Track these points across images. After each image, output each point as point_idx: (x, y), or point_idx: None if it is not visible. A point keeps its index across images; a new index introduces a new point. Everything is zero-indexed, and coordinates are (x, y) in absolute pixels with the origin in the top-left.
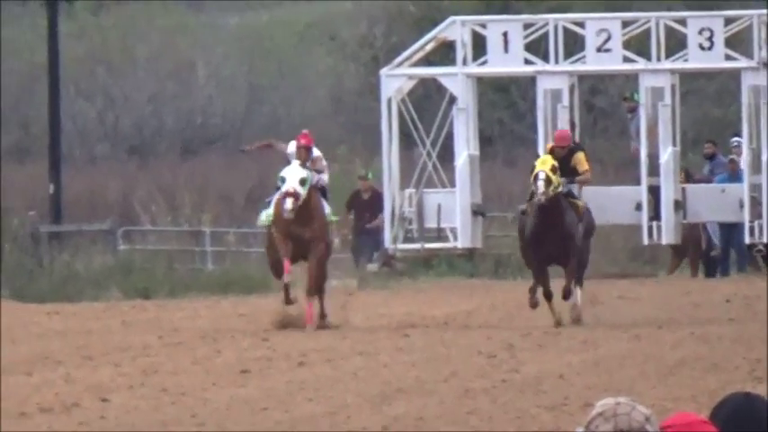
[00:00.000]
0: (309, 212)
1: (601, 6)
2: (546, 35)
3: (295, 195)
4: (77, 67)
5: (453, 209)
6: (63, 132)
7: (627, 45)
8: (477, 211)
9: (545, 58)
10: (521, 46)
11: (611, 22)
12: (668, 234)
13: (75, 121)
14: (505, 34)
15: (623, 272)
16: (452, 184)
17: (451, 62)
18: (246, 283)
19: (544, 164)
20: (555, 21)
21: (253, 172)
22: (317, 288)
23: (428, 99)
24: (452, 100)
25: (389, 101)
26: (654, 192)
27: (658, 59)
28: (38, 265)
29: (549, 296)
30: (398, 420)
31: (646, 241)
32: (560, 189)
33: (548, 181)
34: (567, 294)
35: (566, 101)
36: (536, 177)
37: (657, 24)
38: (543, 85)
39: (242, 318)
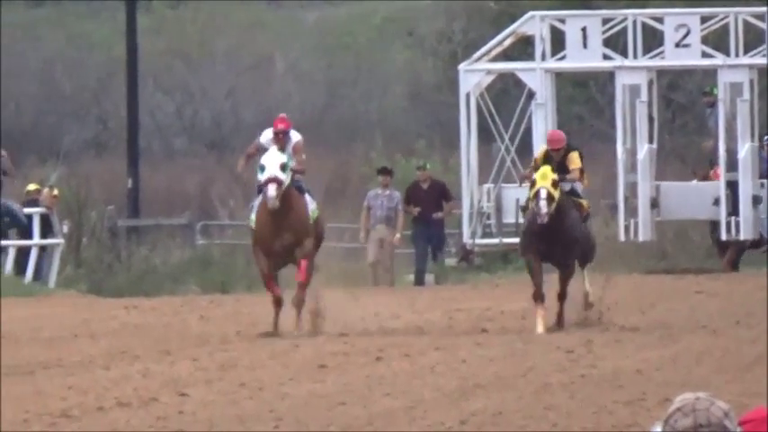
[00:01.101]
0: (292, 219)
1: (679, 2)
2: (625, 30)
3: (277, 181)
4: (156, 61)
5: None
6: (141, 127)
7: (705, 40)
8: None
9: (624, 54)
10: (599, 41)
11: (689, 17)
12: (746, 229)
13: (153, 115)
14: (584, 29)
15: (701, 267)
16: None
17: (530, 57)
18: (325, 278)
19: (545, 179)
20: (634, 16)
21: (330, 167)
22: (304, 288)
23: (507, 94)
24: (531, 95)
25: (468, 96)
26: (732, 187)
27: (737, 55)
28: (116, 260)
29: (540, 298)
30: (476, 415)
31: (724, 236)
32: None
33: (550, 199)
34: (562, 297)
35: (644, 96)
36: (537, 196)
37: (736, 19)
38: (622, 81)
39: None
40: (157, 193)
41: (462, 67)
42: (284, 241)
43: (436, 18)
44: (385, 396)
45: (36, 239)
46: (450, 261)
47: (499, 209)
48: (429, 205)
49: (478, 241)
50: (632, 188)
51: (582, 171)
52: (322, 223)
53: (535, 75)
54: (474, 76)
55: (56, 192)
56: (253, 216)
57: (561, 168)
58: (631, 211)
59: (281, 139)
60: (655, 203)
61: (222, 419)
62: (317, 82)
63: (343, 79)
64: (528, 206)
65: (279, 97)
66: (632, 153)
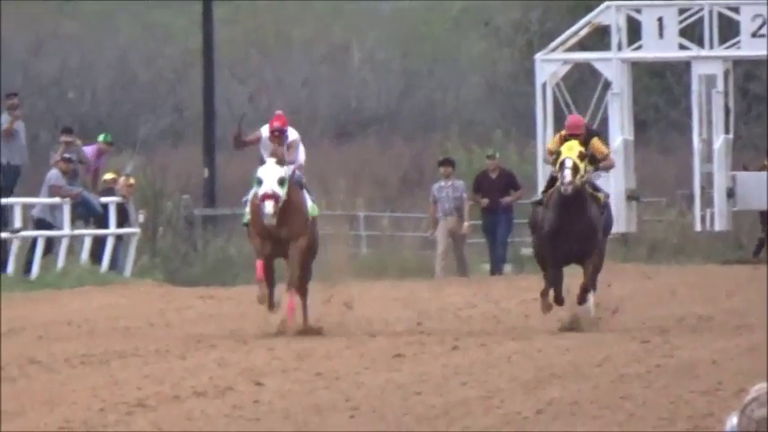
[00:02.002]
0: (288, 211)
1: None
2: (701, 20)
3: (274, 197)
4: (232, 51)
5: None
6: (217, 116)
7: None
8: (631, 196)
9: (700, 44)
10: (675, 31)
11: (765, 7)
12: None
13: (229, 104)
14: (660, 19)
15: None
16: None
17: (606, 47)
18: (401, 268)
19: (571, 150)
20: (710, 6)
21: (407, 156)
22: (300, 285)
23: (583, 84)
24: (607, 85)
25: (544, 86)
26: None
27: None
28: (192, 249)
29: (560, 302)
30: (552, 405)
31: None
32: (585, 178)
33: (575, 169)
34: (582, 299)
35: (720, 86)
36: (563, 165)
37: None
38: (698, 71)
39: (396, 302)
40: (233, 182)
41: (539, 56)
42: (278, 239)
43: (512, 8)
44: (461, 385)
45: (112, 229)
46: (527, 251)
47: None
48: (497, 194)
49: None
50: (708, 178)
51: (607, 155)
52: (316, 229)
53: (611, 64)
54: (550, 65)
55: (132, 181)
56: (247, 210)
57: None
58: (707, 201)
59: (277, 137)
60: (731, 193)
61: (298, 409)
62: (394, 71)
63: (419, 69)
64: (543, 201)
65: (355, 86)
66: (708, 143)
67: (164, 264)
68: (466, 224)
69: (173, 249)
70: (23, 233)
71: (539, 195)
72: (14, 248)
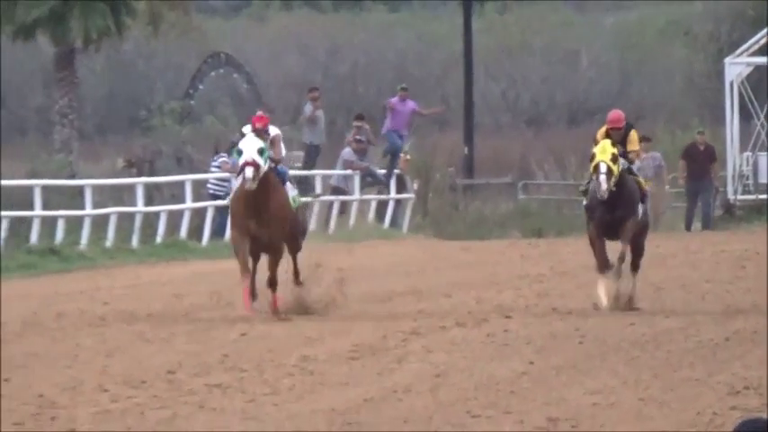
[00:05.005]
0: (268, 206)
1: None
2: None
3: (254, 164)
4: (486, 55)
5: None
6: (475, 107)
7: None
8: None
9: None
10: None
11: None
12: None
13: (484, 97)
14: None
15: None
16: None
17: None
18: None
19: (604, 153)
20: None
21: None
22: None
23: (762, 82)
24: None
25: (732, 83)
26: None
27: None
28: (455, 211)
29: (607, 266)
30: (738, 333)
31: None
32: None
33: (609, 174)
34: (623, 258)
35: None
36: (597, 170)
37: None
38: None
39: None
40: (488, 158)
41: (727, 60)
42: (261, 226)
43: (707, 21)
44: (665, 318)
45: (393, 194)
46: (717, 213)
47: (755, 172)
48: (703, 163)
49: (739, 197)
50: None
51: (637, 152)
52: (303, 213)
53: None
54: (737, 67)
55: (408, 157)
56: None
57: (621, 145)
58: None
59: (260, 137)
60: None
61: (538, 336)
62: (613, 72)
63: (633, 70)
64: (588, 189)
65: (583, 84)
66: None
67: (433, 222)
68: (667, 187)
69: (440, 211)
70: (323, 198)
71: (583, 186)
72: (316, 210)
